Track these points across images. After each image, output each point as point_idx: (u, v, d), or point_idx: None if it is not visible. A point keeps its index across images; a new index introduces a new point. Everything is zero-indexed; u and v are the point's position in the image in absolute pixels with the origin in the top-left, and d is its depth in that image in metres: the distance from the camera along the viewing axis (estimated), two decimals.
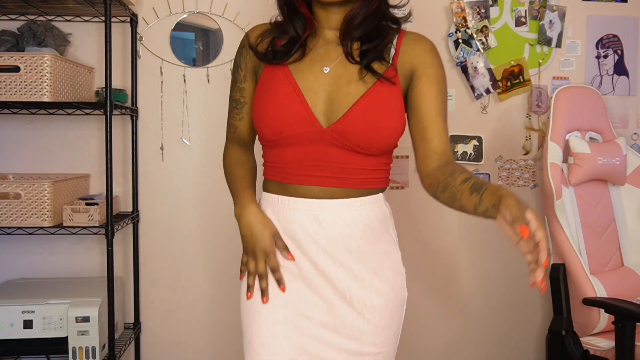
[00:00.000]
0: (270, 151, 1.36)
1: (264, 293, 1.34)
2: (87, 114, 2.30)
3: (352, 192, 1.33)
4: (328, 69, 1.31)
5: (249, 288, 1.36)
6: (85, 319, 2.01)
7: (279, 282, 1.34)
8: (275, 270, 1.34)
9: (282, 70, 1.32)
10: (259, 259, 1.34)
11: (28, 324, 2.03)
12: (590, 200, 2.35)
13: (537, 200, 2.57)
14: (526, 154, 2.55)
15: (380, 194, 1.39)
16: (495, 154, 2.54)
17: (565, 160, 2.33)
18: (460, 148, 2.51)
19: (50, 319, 2.04)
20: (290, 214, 1.34)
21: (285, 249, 1.34)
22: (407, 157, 2.49)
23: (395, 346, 1.40)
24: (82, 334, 2.01)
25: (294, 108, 1.28)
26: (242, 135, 1.45)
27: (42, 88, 1.96)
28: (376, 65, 1.30)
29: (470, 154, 2.51)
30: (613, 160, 2.34)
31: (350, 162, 1.30)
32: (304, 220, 1.33)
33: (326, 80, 1.30)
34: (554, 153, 2.26)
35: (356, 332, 1.34)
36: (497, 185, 1.18)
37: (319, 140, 1.28)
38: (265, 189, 1.41)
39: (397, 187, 2.51)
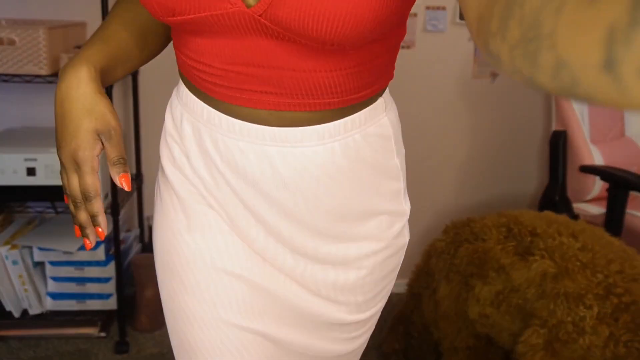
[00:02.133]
0: (179, 35, 0.82)
1: (83, 232, 0.82)
2: None
3: (326, 114, 0.79)
4: None
5: (80, 228, 0.82)
6: None
7: (97, 223, 0.81)
8: (90, 199, 0.78)
9: None
10: (69, 170, 0.79)
11: (31, 172, 2.07)
12: None
13: None
14: None
15: (378, 101, 0.85)
16: None
17: None
18: None
19: (52, 167, 2.06)
20: (226, 142, 0.81)
21: (119, 162, 0.79)
22: (415, 15, 2.40)
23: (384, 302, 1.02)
24: None
25: None
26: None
27: None
28: None
29: None
30: None
31: (316, 65, 0.75)
32: (249, 157, 0.80)
33: None
34: None
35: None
36: None
37: (251, 29, 0.72)
38: (185, 83, 0.88)
39: (402, 47, 2.44)
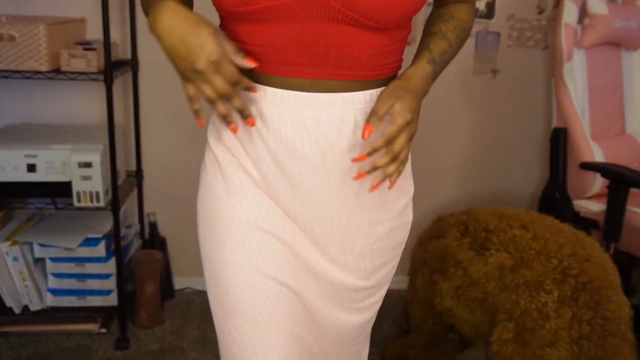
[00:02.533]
0: (236, 27, 0.96)
1: (243, 114, 0.95)
2: None
3: (354, 84, 0.97)
4: None
5: (226, 118, 0.96)
6: (88, 165, 2.04)
7: (244, 114, 0.96)
8: (237, 82, 0.92)
9: None
10: (209, 75, 0.89)
11: (31, 168, 2.07)
12: (600, 65, 2.30)
13: (545, 63, 2.50)
14: (540, 13, 2.45)
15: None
16: (508, 12, 2.44)
17: (580, 22, 2.24)
18: None
19: (53, 163, 2.06)
20: (267, 110, 0.97)
21: (238, 52, 0.91)
22: None
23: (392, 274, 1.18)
24: (85, 179, 2.05)
25: None
26: None
27: None
28: None
29: (482, 10, 2.41)
30: (630, 24, 2.25)
31: (357, 43, 0.93)
32: (287, 122, 0.96)
33: None
34: (569, 12, 2.17)
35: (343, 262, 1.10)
36: (419, 59, 1.03)
37: (316, 14, 0.89)
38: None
39: None
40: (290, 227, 1.04)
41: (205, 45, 0.87)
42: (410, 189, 1.13)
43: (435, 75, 1.05)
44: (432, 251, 1.74)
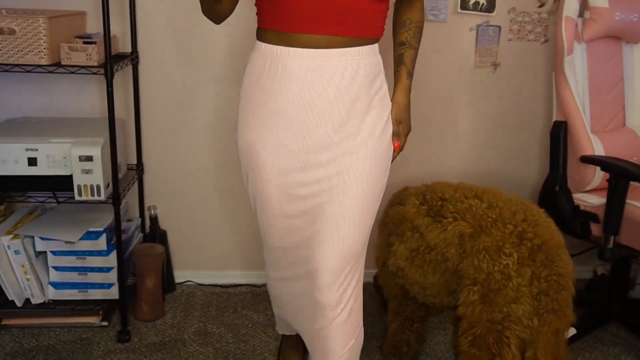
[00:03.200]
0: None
1: None
2: None
3: (351, 40, 1.44)
4: None
5: None
6: (89, 158, 2.04)
7: None
8: None
9: None
10: None
11: (32, 162, 2.07)
12: (601, 58, 2.29)
13: (546, 56, 2.50)
14: (541, 6, 2.44)
15: (375, 45, 1.52)
16: (509, 6, 2.43)
17: (581, 15, 2.23)
18: None
19: (53, 157, 2.07)
20: (290, 65, 1.44)
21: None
22: None
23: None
24: (86, 173, 2.05)
25: None
26: None
27: None
28: None
29: (482, 4, 2.41)
30: (631, 17, 2.24)
31: (362, 6, 1.41)
32: (304, 74, 1.44)
33: None
34: (570, 6, 2.16)
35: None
36: (401, 76, 1.60)
37: None
38: (261, 38, 1.49)
39: None
40: (304, 166, 1.51)
41: None
42: (389, 108, 1.59)
43: (411, 79, 1.61)
44: (391, 216, 1.90)
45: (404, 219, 1.83)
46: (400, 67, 1.60)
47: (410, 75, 1.60)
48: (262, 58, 1.49)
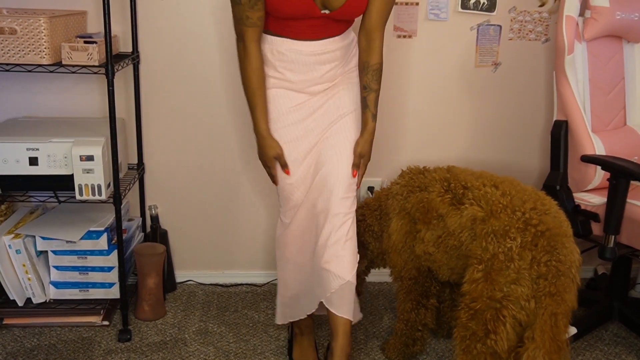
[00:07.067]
0: (279, 20, 1.80)
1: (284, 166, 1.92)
2: None
3: (327, 38, 1.86)
4: None
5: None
6: (90, 158, 2.04)
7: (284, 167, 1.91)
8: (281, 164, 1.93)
9: None
10: (266, 167, 1.94)
11: (33, 161, 2.07)
12: (601, 57, 2.29)
13: (547, 56, 2.50)
14: (542, 5, 2.44)
15: (350, 29, 1.92)
16: (509, 5, 2.43)
17: (581, 14, 2.23)
18: None
19: (54, 156, 2.07)
20: (295, 52, 1.84)
21: (285, 166, 1.90)
22: (417, 4, 2.39)
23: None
24: (87, 172, 2.06)
25: (302, 6, 1.75)
26: (256, 22, 1.77)
27: None
28: None
29: (483, 3, 2.40)
30: (632, 16, 2.24)
31: (336, 26, 1.84)
32: (304, 52, 1.84)
33: None
34: (571, 5, 2.16)
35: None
36: (367, 119, 1.90)
37: (319, 18, 1.78)
38: (270, 33, 1.84)
39: (404, 36, 2.44)
40: (313, 125, 1.91)
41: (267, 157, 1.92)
42: (354, 39, 1.96)
43: (376, 121, 1.92)
44: (415, 202, 1.99)
45: (430, 208, 1.92)
46: (365, 111, 1.90)
47: (374, 117, 1.90)
48: (270, 46, 1.88)
